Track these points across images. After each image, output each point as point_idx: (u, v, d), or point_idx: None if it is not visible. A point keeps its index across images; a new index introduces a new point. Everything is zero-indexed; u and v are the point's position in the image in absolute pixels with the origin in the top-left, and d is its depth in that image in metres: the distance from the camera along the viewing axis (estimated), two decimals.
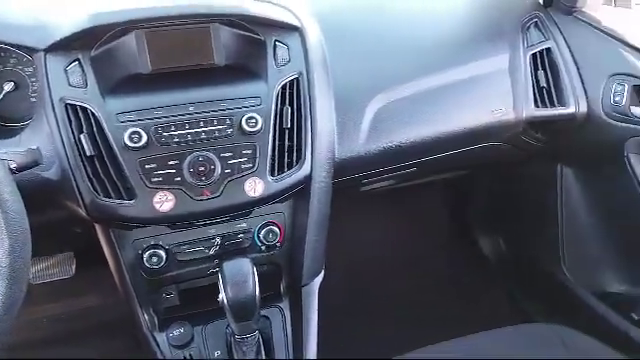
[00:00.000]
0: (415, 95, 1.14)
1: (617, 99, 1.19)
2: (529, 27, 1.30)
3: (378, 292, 1.74)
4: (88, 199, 0.85)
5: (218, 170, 0.88)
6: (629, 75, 1.19)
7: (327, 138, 0.99)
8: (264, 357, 0.98)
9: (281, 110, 0.94)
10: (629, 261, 1.39)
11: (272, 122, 0.92)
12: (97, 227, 0.95)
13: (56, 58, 0.86)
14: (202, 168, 0.88)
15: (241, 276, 0.86)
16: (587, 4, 1.30)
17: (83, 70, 0.87)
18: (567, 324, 1.06)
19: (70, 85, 0.86)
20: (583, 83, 1.25)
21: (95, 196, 0.85)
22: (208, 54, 0.94)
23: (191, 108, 0.89)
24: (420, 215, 1.99)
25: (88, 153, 0.84)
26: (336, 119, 1.03)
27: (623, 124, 1.20)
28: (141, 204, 0.86)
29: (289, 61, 0.97)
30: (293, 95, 0.95)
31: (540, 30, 1.30)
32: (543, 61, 1.27)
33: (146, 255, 0.94)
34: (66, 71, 0.86)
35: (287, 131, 0.94)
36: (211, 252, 0.98)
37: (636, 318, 1.34)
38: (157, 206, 0.86)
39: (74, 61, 0.87)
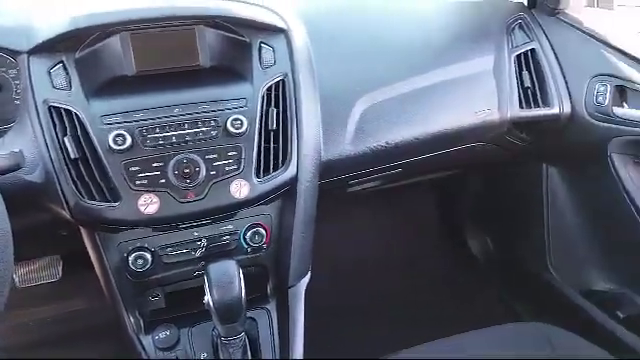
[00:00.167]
0: (401, 96, 1.14)
1: (600, 99, 1.21)
2: (514, 28, 1.31)
3: (368, 292, 1.74)
4: (72, 202, 0.85)
5: (203, 172, 0.88)
6: (611, 76, 1.20)
7: (313, 139, 0.99)
8: (250, 359, 0.98)
9: (267, 112, 0.94)
10: (614, 260, 1.40)
11: (257, 124, 0.92)
12: (82, 230, 0.95)
13: (40, 60, 0.86)
14: (187, 170, 0.87)
15: (226, 278, 0.86)
16: (570, 6, 1.32)
17: (67, 72, 0.86)
18: (554, 323, 1.07)
19: (54, 87, 0.86)
20: (567, 84, 1.27)
21: (79, 199, 0.85)
22: (193, 56, 0.94)
23: (176, 110, 0.89)
24: (409, 216, 2.00)
25: (72, 156, 0.84)
26: (322, 120, 1.03)
27: (606, 124, 1.21)
28: (126, 207, 0.86)
29: (274, 63, 0.97)
30: (279, 97, 0.96)
31: (524, 31, 1.31)
32: (528, 62, 1.28)
33: (131, 258, 0.93)
34: (50, 73, 0.86)
35: (273, 133, 0.94)
36: (197, 254, 0.98)
37: (622, 316, 1.35)
38: (142, 208, 0.86)
39: (58, 63, 0.86)
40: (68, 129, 0.85)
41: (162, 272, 0.98)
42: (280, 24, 0.99)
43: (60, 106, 0.85)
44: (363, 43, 1.18)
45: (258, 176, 0.92)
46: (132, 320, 1.00)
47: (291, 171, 0.95)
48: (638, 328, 1.32)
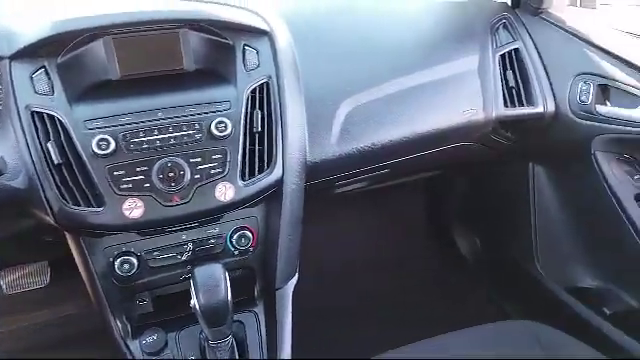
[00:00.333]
0: (386, 97, 1.14)
1: (583, 98, 1.22)
2: (498, 28, 1.32)
3: (356, 293, 1.74)
4: (56, 207, 0.85)
5: (188, 176, 0.88)
6: (594, 74, 1.21)
7: (298, 141, 0.99)
8: (237, 359, 0.98)
9: (251, 114, 0.94)
10: (599, 256, 1.42)
11: (242, 126, 0.92)
12: (67, 235, 0.94)
13: (22, 65, 0.85)
14: (171, 174, 0.87)
15: (213, 281, 0.86)
16: (553, 5, 1.33)
17: (49, 77, 0.86)
18: (543, 321, 1.08)
19: (36, 92, 0.85)
20: (550, 83, 1.28)
21: (63, 204, 0.84)
22: (178, 59, 0.94)
23: (160, 114, 0.89)
24: (397, 216, 2.00)
25: (55, 161, 0.84)
26: (307, 122, 1.03)
27: (589, 122, 1.22)
28: (110, 211, 0.85)
29: (258, 65, 0.97)
30: (263, 99, 0.95)
31: (508, 31, 1.32)
32: (512, 61, 1.29)
33: (117, 262, 0.93)
34: (32, 78, 0.85)
35: (258, 135, 0.94)
36: (183, 258, 0.98)
37: (608, 313, 1.36)
38: (127, 213, 0.86)
39: (40, 68, 0.86)
40: (51, 134, 0.84)
41: (149, 276, 0.98)
42: (263, 26, 0.99)
43: (43, 111, 0.84)
44: (348, 44, 1.19)
45: (243, 179, 0.92)
46: (119, 325, 1.00)
47: (276, 173, 0.95)
48: (624, 324, 1.33)
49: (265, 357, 1.02)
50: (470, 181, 1.85)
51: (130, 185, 0.86)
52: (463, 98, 1.22)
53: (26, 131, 0.84)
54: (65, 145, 0.84)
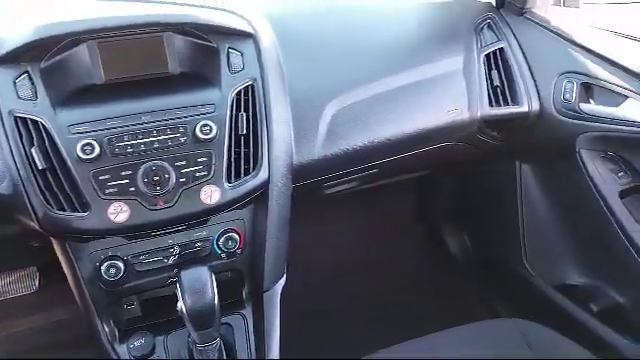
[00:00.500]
0: (371, 98, 1.15)
1: (567, 97, 1.23)
2: (482, 28, 1.33)
3: (347, 294, 1.75)
4: (41, 212, 0.85)
5: (173, 179, 0.88)
6: (578, 73, 1.22)
7: (284, 143, 1.00)
8: (225, 359, 0.98)
9: (236, 117, 0.94)
10: (586, 254, 1.43)
11: (227, 129, 0.92)
12: (53, 240, 0.94)
13: (5, 71, 0.85)
14: (156, 178, 0.87)
15: (199, 284, 0.86)
16: (537, 5, 1.34)
17: (32, 82, 0.86)
18: (532, 319, 1.09)
19: (19, 98, 0.85)
20: (535, 82, 1.29)
21: (48, 209, 0.84)
22: (163, 63, 0.94)
23: (144, 118, 0.89)
24: (387, 216, 2.01)
25: (40, 166, 0.83)
26: (293, 124, 1.04)
27: (574, 121, 1.23)
28: (95, 216, 0.85)
29: (243, 68, 0.97)
30: (248, 101, 0.96)
31: (493, 31, 1.33)
32: (496, 61, 1.29)
33: (104, 267, 0.93)
34: (15, 84, 0.85)
35: (243, 137, 0.94)
36: (170, 261, 0.98)
37: (595, 310, 1.38)
38: (112, 217, 0.86)
39: (23, 73, 0.85)
40: (35, 140, 0.84)
41: (135, 280, 0.98)
42: (248, 29, 1.00)
43: (26, 117, 0.84)
44: (333, 45, 1.19)
45: (229, 181, 0.92)
46: (107, 329, 1.00)
47: (262, 175, 0.95)
48: (611, 321, 1.34)
49: (253, 359, 1.03)
50: (458, 181, 1.86)
51: (115, 189, 0.86)
52: (448, 98, 1.23)
53: (10, 137, 0.84)
54: (49, 150, 0.84)
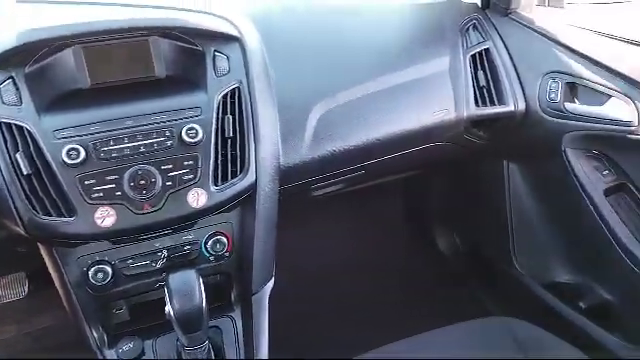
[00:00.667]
0: (359, 99, 1.15)
1: (552, 96, 1.24)
2: (468, 29, 1.34)
3: (337, 295, 1.75)
4: (26, 218, 0.84)
5: (159, 183, 0.88)
6: (562, 72, 1.23)
7: (271, 145, 1.00)
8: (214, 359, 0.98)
9: (222, 120, 0.94)
10: (573, 252, 1.44)
11: (214, 132, 0.92)
12: (40, 246, 0.94)
13: None
14: (142, 182, 0.87)
15: (186, 287, 0.86)
16: (521, 5, 1.35)
17: (17, 88, 0.85)
18: (522, 317, 1.10)
19: (4, 103, 0.84)
20: (520, 81, 1.30)
21: (34, 214, 0.84)
22: (149, 67, 0.94)
23: (129, 122, 0.89)
24: (377, 217, 2.01)
25: (25, 171, 0.83)
26: (280, 126, 1.04)
27: (559, 120, 1.24)
28: (82, 220, 0.85)
29: (229, 71, 0.97)
30: (235, 104, 0.95)
31: (479, 31, 1.34)
32: (482, 61, 1.30)
33: (91, 272, 0.93)
34: None
35: (230, 140, 0.94)
36: (158, 265, 0.98)
37: (583, 307, 1.39)
38: (98, 222, 0.86)
39: (7, 79, 0.85)
40: (20, 145, 0.84)
41: (124, 285, 0.97)
42: (234, 32, 1.00)
43: (11, 122, 0.84)
44: (319, 47, 1.19)
45: (216, 184, 0.92)
46: (95, 334, 0.99)
47: (249, 178, 0.95)
48: (598, 318, 1.36)
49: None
50: (447, 181, 1.87)
51: (101, 194, 0.86)
52: (435, 98, 1.23)
53: None
54: (34, 155, 0.84)
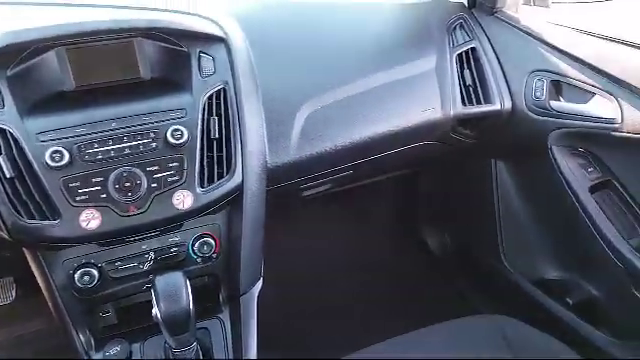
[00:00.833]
0: (345, 99, 1.15)
1: (538, 94, 1.25)
2: (454, 28, 1.34)
3: (327, 295, 1.75)
4: (10, 221, 0.83)
5: (144, 185, 0.88)
6: (547, 71, 1.24)
7: (258, 146, 0.99)
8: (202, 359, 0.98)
9: (208, 121, 0.93)
10: (560, 248, 1.45)
11: (199, 133, 0.92)
12: (25, 250, 0.93)
13: None
14: (128, 184, 0.87)
15: (173, 290, 0.85)
16: (507, 4, 1.36)
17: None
18: (511, 315, 1.10)
19: None
20: (507, 80, 1.30)
21: (18, 218, 0.83)
22: (134, 68, 0.94)
23: (114, 124, 0.88)
24: (367, 217, 2.02)
25: (8, 175, 0.82)
26: (267, 126, 1.04)
27: (544, 118, 1.25)
28: (67, 224, 0.84)
29: (214, 72, 0.97)
30: (220, 105, 0.95)
31: (465, 31, 1.35)
32: (469, 60, 1.31)
33: (77, 275, 0.92)
34: None
35: (215, 141, 0.94)
36: (145, 267, 0.97)
37: (571, 303, 1.40)
38: (83, 224, 0.85)
39: None
40: (2, 148, 0.83)
41: (110, 287, 0.97)
42: (219, 33, 0.99)
43: None
44: (305, 48, 1.19)
45: (202, 186, 0.92)
46: (82, 338, 0.98)
47: (236, 179, 0.95)
48: (586, 314, 1.37)
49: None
50: (437, 180, 1.88)
51: (86, 196, 0.85)
52: (422, 98, 1.24)
53: None
54: (17, 158, 0.83)
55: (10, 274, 1.51)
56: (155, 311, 0.86)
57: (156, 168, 0.89)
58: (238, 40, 1.02)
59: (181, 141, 0.90)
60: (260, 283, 1.10)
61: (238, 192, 0.97)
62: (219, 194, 0.93)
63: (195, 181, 0.91)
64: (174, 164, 0.90)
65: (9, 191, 0.83)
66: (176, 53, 0.96)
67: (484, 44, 1.33)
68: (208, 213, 0.96)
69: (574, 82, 1.19)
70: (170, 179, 0.89)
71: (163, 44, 0.95)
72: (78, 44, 0.89)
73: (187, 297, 0.86)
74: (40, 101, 0.88)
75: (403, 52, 1.27)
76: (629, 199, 1.23)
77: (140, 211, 0.88)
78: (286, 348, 1.41)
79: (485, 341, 1.07)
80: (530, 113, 1.27)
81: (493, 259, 1.62)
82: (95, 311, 1.01)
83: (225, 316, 1.06)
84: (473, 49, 1.32)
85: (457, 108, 1.26)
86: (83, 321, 0.99)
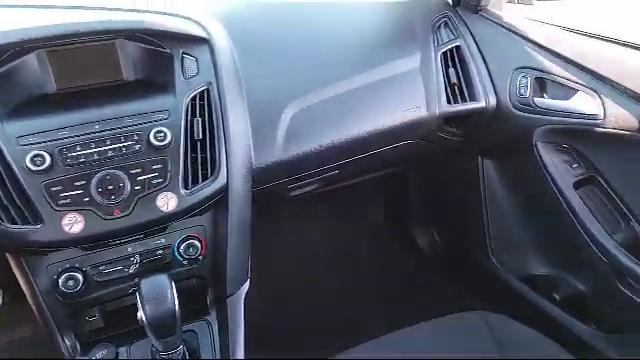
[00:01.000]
0: (331, 99, 1.15)
1: (522, 91, 1.26)
2: (439, 27, 1.34)
3: (316, 294, 1.75)
4: None
5: (128, 187, 0.87)
6: (531, 68, 1.25)
7: (242, 147, 0.99)
8: None
9: (191, 122, 0.93)
10: (546, 244, 1.46)
11: (183, 135, 0.91)
12: (8, 255, 0.92)
13: None
14: (111, 187, 0.86)
15: (158, 292, 0.85)
16: (491, 2, 1.36)
17: None
18: (499, 311, 1.11)
19: None
20: (491, 78, 1.31)
21: None
22: (117, 70, 0.93)
23: (96, 126, 0.87)
24: (356, 215, 2.02)
25: None
26: (251, 127, 1.03)
27: (529, 115, 1.26)
28: (49, 228, 0.84)
29: (198, 73, 0.96)
30: (204, 106, 0.95)
31: (449, 29, 1.35)
32: (453, 59, 1.31)
33: (62, 279, 0.91)
34: None
35: (199, 143, 0.93)
36: (130, 271, 0.96)
37: (558, 298, 1.41)
38: (66, 228, 0.84)
39: None
40: None
41: (96, 291, 0.96)
42: (202, 34, 0.99)
43: None
44: (290, 48, 1.19)
45: (186, 188, 0.91)
46: (67, 342, 0.98)
47: (221, 181, 0.95)
48: (573, 309, 1.38)
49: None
50: (425, 177, 1.88)
51: (69, 200, 0.85)
52: (407, 96, 1.24)
53: None
54: None
55: None
56: (140, 314, 0.85)
57: (139, 170, 0.88)
58: (221, 41, 1.02)
59: (164, 143, 0.89)
60: (247, 284, 1.09)
61: (223, 193, 0.96)
62: (204, 196, 0.93)
63: (179, 183, 0.91)
64: (157, 166, 0.89)
65: None
66: (159, 54, 0.95)
67: (469, 42, 1.34)
68: (193, 215, 0.96)
69: (558, 79, 1.20)
70: (154, 181, 0.89)
71: (146, 45, 0.94)
72: (59, 46, 0.88)
73: (172, 300, 0.85)
74: (21, 104, 0.87)
75: (387, 51, 1.27)
76: (613, 194, 1.24)
77: (124, 214, 0.87)
78: (274, 349, 1.41)
79: (474, 338, 1.07)
80: (515, 110, 1.28)
81: (481, 256, 1.63)
82: (80, 315, 1.00)
83: (212, 318, 1.06)
84: (458, 47, 1.32)
85: (442, 106, 1.26)
86: (68, 325, 0.98)
